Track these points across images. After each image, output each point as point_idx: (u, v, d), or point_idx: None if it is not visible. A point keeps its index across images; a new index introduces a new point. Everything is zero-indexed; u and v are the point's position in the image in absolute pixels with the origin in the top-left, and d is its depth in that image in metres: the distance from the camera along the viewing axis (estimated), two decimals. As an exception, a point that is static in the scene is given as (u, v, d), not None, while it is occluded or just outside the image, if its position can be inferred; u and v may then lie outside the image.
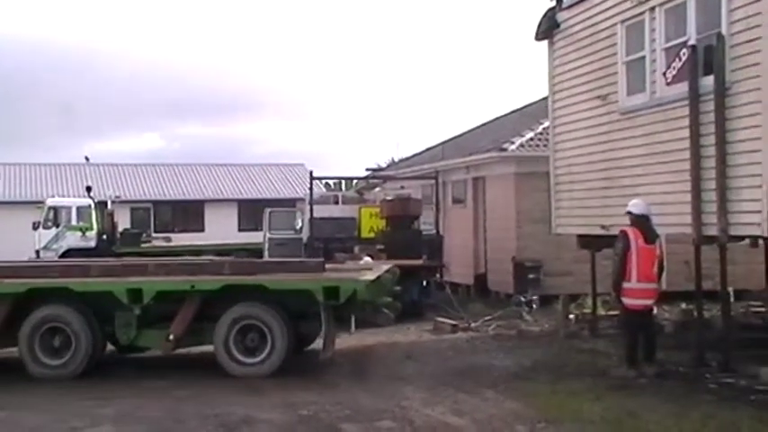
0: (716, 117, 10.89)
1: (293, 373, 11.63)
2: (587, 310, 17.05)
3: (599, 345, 13.97)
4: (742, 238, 11.23)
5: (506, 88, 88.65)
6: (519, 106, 27.39)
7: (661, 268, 11.08)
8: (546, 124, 21.06)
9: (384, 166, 32.12)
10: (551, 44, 15.27)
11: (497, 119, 28.10)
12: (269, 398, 10.38)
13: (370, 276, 12.20)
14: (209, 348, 12.14)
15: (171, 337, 11.83)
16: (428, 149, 28.84)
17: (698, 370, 11.18)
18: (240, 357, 11.73)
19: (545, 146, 20.52)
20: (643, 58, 12.66)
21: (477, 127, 28.67)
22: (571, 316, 16.19)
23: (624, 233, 11.00)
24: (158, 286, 11.84)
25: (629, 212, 11.25)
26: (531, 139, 21.06)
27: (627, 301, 11.02)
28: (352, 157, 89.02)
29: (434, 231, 20.95)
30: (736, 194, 10.75)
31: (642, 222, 11.11)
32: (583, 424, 8.76)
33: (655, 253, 10.99)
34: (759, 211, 10.33)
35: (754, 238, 11.50)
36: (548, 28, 15.13)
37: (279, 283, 11.92)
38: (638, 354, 11.04)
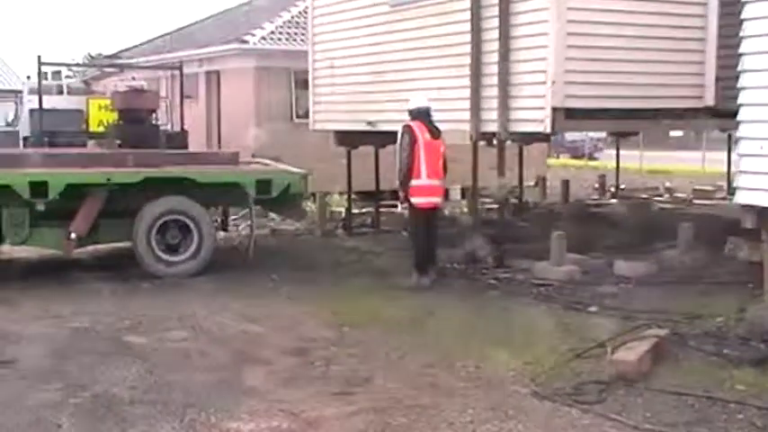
0: (500, 11, 10.69)
1: (43, 285, 10.30)
2: (337, 209, 16.84)
3: (361, 243, 13.76)
4: (524, 134, 11.26)
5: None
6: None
7: (445, 166, 10.69)
8: (287, 17, 20.35)
9: (109, 55, 29.32)
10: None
11: (230, 10, 26.68)
12: (27, 310, 9.04)
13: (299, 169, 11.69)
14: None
15: (72, 236, 10.58)
16: (161, 37, 26.78)
17: (474, 266, 11.21)
18: (165, 256, 10.88)
19: (287, 39, 19.81)
20: (415, -54, 12.21)
21: (210, 17, 27.09)
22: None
23: (409, 127, 10.40)
24: (68, 179, 10.44)
25: (410, 109, 10.69)
26: (272, 32, 20.14)
27: (416, 200, 10.39)
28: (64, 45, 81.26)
29: (176, 127, 19.54)
30: (517, 90, 10.71)
31: (424, 117, 10.61)
32: (388, 325, 8.38)
33: (440, 148, 10.58)
34: (542, 108, 10.36)
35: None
36: None
37: (208, 176, 11.12)
38: (426, 257, 10.65)
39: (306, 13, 20.18)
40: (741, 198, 8.21)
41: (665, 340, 7.33)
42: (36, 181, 10.30)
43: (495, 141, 11.18)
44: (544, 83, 10.29)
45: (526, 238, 12.68)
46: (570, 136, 42.41)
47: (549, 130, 10.36)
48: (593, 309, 9.04)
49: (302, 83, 18.99)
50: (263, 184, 11.10)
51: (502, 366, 6.92)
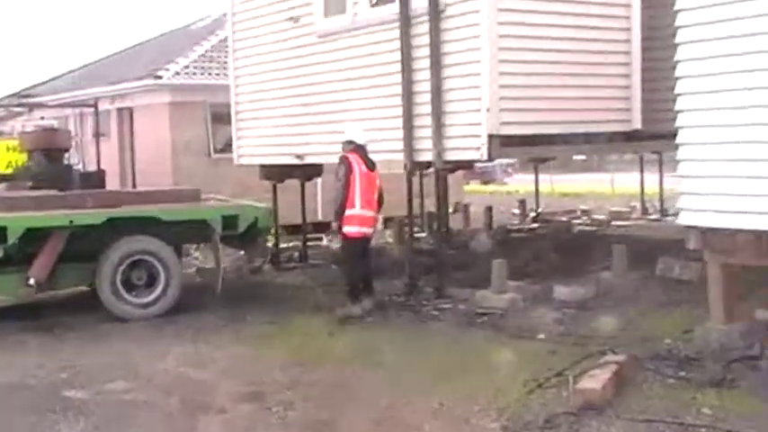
0: (431, 40, 10.62)
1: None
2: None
3: (292, 279, 13.50)
4: (459, 162, 11.21)
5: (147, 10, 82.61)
6: (160, 32, 25.72)
7: (381, 198, 10.64)
8: (201, 51, 20.04)
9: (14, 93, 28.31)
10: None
11: (140, 44, 26.11)
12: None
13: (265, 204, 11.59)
14: None
15: (31, 281, 10.12)
16: (69, 73, 25.99)
17: (414, 297, 11.06)
18: (131, 298, 10.56)
19: (202, 74, 19.50)
20: (343, -23, 12.10)
21: (119, 52, 26.46)
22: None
23: (345, 158, 10.39)
24: (28, 222, 10.07)
25: (348, 141, 10.63)
26: (187, 66, 19.75)
27: (347, 229, 10.37)
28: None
29: (89, 166, 18.94)
30: (451, 119, 10.64)
31: (360, 150, 10.59)
32: (340, 363, 8.16)
33: (375, 180, 10.54)
34: (478, 135, 10.31)
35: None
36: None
37: (174, 214, 10.87)
38: (359, 287, 10.56)
39: (221, 45, 20.03)
40: (684, 219, 8.28)
41: (624, 366, 7.29)
42: None
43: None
44: (479, 110, 10.25)
45: (461, 266, 12.62)
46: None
47: (485, 157, 10.32)
48: (541, 336, 8.98)
49: (219, 117, 18.73)
50: (230, 220, 10.92)
51: (466, 401, 6.77)
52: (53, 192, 12.32)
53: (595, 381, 6.78)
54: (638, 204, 21.98)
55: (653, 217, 20.74)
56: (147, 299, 10.67)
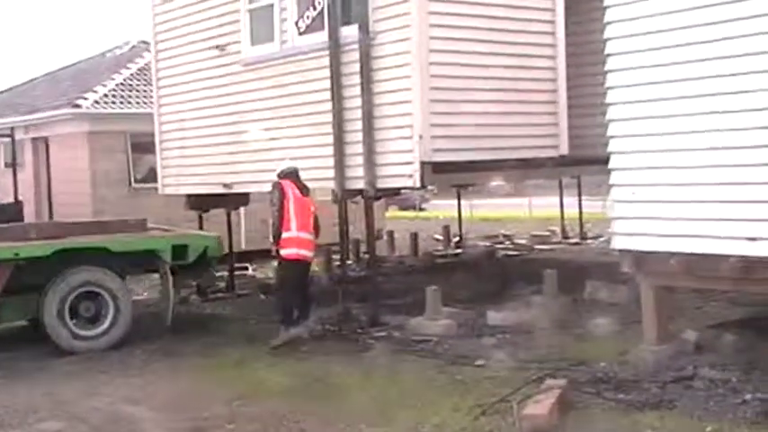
0: (361, 68, 10.65)
1: None
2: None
3: (220, 310, 13.29)
4: (391, 190, 11.21)
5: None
6: (76, 60, 25.18)
7: (317, 223, 10.57)
8: (119, 79, 19.71)
9: None
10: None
11: (53, 73, 25.50)
12: None
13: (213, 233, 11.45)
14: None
15: None
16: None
17: (348, 326, 10.97)
18: (78, 330, 10.28)
19: (122, 102, 19.17)
20: (271, 6, 12.02)
21: (31, 80, 25.79)
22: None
23: (278, 184, 10.34)
24: None
25: (279, 172, 10.56)
26: (106, 95, 19.36)
27: (285, 251, 10.29)
28: None
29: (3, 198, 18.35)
30: (383, 146, 10.66)
31: (293, 177, 10.53)
32: (280, 396, 8.01)
33: (309, 206, 10.48)
34: (411, 163, 10.35)
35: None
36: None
37: (122, 244, 10.72)
38: (293, 315, 10.44)
39: (141, 73, 19.73)
40: (618, 243, 8.42)
41: (566, 390, 7.34)
42: None
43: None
44: (410, 137, 10.29)
45: (392, 294, 12.60)
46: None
47: (418, 184, 10.36)
48: (480, 362, 8.97)
49: (139, 146, 18.44)
50: (180, 250, 10.78)
51: (411, 431, 6.71)
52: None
53: (541, 406, 6.80)
54: (557, 228, 22.33)
55: (573, 240, 21.11)
56: (95, 331, 10.44)
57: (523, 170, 11.74)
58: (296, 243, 10.32)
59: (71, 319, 10.30)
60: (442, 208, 38.57)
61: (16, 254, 10.02)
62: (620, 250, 8.42)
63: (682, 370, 7.96)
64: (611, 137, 8.35)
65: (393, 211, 43.62)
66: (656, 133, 7.96)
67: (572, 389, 7.49)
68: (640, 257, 8.26)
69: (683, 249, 7.81)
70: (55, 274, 10.26)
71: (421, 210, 42.88)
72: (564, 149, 11.72)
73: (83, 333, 10.36)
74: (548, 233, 22.31)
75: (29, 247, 10.24)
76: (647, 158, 8.05)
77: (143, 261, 10.98)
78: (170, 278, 10.84)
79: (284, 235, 10.26)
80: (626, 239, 8.35)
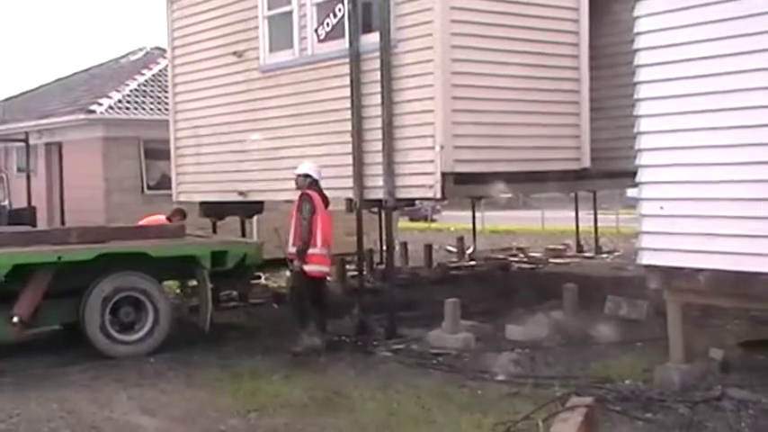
0: (382, 76, 10.49)
1: None
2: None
3: (234, 318, 13.13)
4: (409, 201, 11.04)
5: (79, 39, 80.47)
6: (89, 65, 25.12)
7: (330, 235, 10.46)
8: (134, 85, 19.64)
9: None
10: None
11: (67, 78, 25.43)
12: None
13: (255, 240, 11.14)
14: None
15: (15, 319, 9.68)
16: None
17: (365, 338, 10.80)
18: (119, 335, 10.22)
19: (136, 108, 19.08)
20: (290, 13, 11.89)
21: (44, 85, 25.74)
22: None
23: (308, 195, 10.17)
24: (16, 259, 9.66)
25: (305, 175, 10.41)
26: (120, 101, 19.28)
27: (310, 268, 10.14)
28: None
29: (16, 203, 18.22)
30: (403, 156, 10.50)
31: (316, 185, 10.39)
32: (297, 409, 7.83)
33: (331, 220, 10.35)
34: (432, 173, 10.18)
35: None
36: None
37: (163, 250, 10.66)
38: (311, 325, 10.28)
39: (155, 79, 19.65)
40: (645, 258, 8.22)
41: (593, 408, 7.14)
42: None
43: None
44: (432, 148, 10.13)
45: (407, 305, 12.41)
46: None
47: (438, 195, 10.19)
48: (501, 377, 8.79)
49: (153, 153, 18.35)
50: (219, 256, 10.67)
51: (435, 448, 6.54)
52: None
53: (568, 425, 6.58)
54: (571, 242, 22.14)
55: (588, 254, 20.91)
56: (135, 336, 10.36)
57: (542, 183, 11.53)
58: (320, 260, 10.25)
59: (111, 323, 10.23)
60: (452, 219, 38.41)
61: (59, 258, 9.96)
62: (647, 266, 8.22)
63: (709, 390, 7.78)
64: (640, 150, 8.16)
65: (403, 222, 43.54)
66: (686, 146, 7.78)
67: (599, 407, 7.30)
68: (668, 273, 8.07)
69: (711, 265, 7.63)
70: (94, 278, 10.19)
71: (432, 221, 42.68)
72: (586, 162, 11.55)
73: (123, 338, 10.29)
74: (562, 247, 22.11)
75: (72, 252, 10.17)
76: (677, 172, 7.86)
77: (182, 267, 10.87)
78: (208, 284, 10.71)
79: (311, 251, 10.13)
80: (653, 255, 8.15)
